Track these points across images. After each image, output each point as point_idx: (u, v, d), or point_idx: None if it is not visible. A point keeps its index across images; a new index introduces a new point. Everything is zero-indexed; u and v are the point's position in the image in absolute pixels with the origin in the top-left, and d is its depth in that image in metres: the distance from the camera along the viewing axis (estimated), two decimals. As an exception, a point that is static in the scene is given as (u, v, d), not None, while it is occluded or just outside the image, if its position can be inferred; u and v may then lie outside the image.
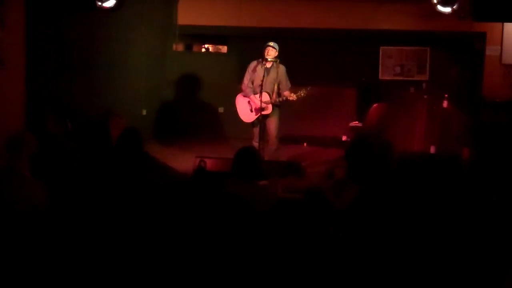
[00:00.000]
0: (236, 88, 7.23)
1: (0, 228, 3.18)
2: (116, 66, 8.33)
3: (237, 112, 6.89)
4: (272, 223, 3.24)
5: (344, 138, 9.15)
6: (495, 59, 8.33)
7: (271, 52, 6.55)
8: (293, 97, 6.54)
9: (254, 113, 6.72)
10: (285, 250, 2.82)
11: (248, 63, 6.83)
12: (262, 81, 6.52)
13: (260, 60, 6.63)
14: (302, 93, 6.55)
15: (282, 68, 6.65)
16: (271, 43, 6.56)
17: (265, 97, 6.58)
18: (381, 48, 9.09)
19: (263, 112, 6.63)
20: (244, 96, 6.83)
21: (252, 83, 6.73)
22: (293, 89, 6.68)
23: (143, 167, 4.36)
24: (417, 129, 8.16)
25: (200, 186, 4.94)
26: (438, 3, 6.73)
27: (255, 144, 6.60)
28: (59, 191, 3.80)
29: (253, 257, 2.74)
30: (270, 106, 6.62)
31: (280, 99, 6.63)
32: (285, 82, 6.67)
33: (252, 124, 6.79)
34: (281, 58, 6.61)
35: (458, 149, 7.37)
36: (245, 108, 6.81)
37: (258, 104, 6.57)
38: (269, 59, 6.53)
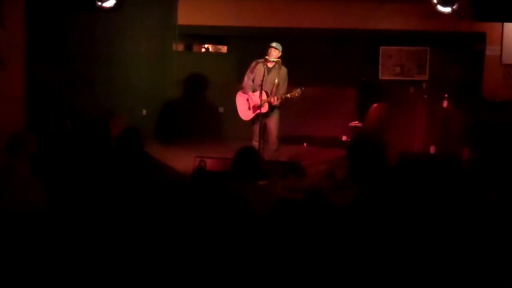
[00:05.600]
0: (236, 88, 7.22)
1: (0, 228, 3.18)
2: (116, 66, 8.33)
3: (236, 109, 6.90)
4: (272, 223, 3.24)
5: (344, 138, 9.15)
6: (495, 59, 8.33)
7: (274, 53, 6.55)
8: (275, 101, 6.54)
9: (251, 110, 6.73)
10: (285, 250, 2.82)
11: (248, 63, 6.83)
12: (262, 80, 6.53)
13: (263, 59, 6.63)
14: (296, 93, 6.55)
15: (283, 70, 6.66)
16: (274, 44, 6.57)
17: (263, 95, 6.58)
18: (381, 48, 9.08)
19: (259, 110, 6.63)
20: (243, 93, 6.83)
21: (253, 82, 6.74)
22: (293, 89, 6.68)
23: (143, 167, 4.36)
24: (417, 129, 8.15)
25: (200, 186, 4.93)
26: (438, 3, 6.73)
27: (255, 144, 6.60)
28: (59, 191, 3.80)
29: (253, 257, 2.74)
30: (266, 105, 6.63)
31: (273, 100, 6.62)
32: (283, 85, 6.67)
33: (252, 123, 6.79)
34: (282, 58, 6.61)
35: (458, 149, 7.37)
36: (244, 105, 6.83)
37: (255, 101, 6.59)
38: (270, 60, 6.54)
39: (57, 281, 2.77)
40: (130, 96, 8.65)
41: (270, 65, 6.58)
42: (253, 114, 6.71)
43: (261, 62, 6.63)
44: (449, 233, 3.05)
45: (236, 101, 6.91)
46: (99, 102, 7.64)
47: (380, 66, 9.12)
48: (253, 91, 6.68)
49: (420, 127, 8.14)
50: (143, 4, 8.68)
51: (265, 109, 6.65)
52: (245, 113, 6.81)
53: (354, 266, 2.80)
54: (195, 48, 10.94)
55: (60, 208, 3.50)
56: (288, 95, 6.59)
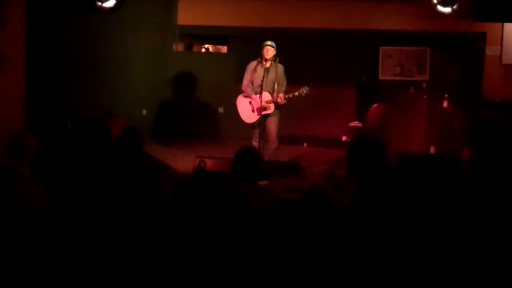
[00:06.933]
0: (236, 88, 7.22)
1: (0, 228, 3.18)
2: (116, 66, 8.33)
3: (239, 113, 6.86)
4: (272, 223, 3.24)
5: (344, 138, 9.15)
6: (495, 59, 8.33)
7: (270, 51, 6.55)
8: (282, 100, 6.55)
9: (256, 113, 6.69)
10: (285, 250, 2.82)
11: (248, 63, 6.82)
12: (262, 81, 6.52)
13: (260, 60, 6.63)
14: (304, 90, 6.56)
15: (280, 68, 6.66)
16: (269, 42, 6.56)
17: (267, 96, 6.58)
18: (381, 48, 9.08)
19: (265, 112, 6.62)
20: (245, 96, 6.81)
21: (252, 84, 6.72)
22: (293, 89, 6.68)
23: (143, 167, 4.36)
24: (417, 129, 8.17)
25: (200, 186, 4.94)
26: (438, 3, 6.73)
27: (255, 144, 6.59)
28: (59, 191, 3.80)
29: (253, 257, 2.74)
30: (272, 105, 6.62)
31: (280, 100, 6.62)
32: (282, 83, 6.68)
33: (253, 125, 6.77)
34: (281, 58, 6.62)
35: (458, 149, 7.37)
36: (247, 109, 6.79)
37: (260, 103, 6.55)
38: (268, 58, 6.54)
39: (57, 282, 2.77)
40: (130, 96, 8.65)
41: (267, 64, 6.58)
42: (258, 116, 6.66)
43: (259, 63, 6.63)
44: (449, 232, 3.06)
45: (238, 105, 6.87)
46: (99, 102, 7.63)
47: (380, 66, 9.12)
48: (255, 93, 6.65)
49: (420, 127, 8.16)
50: (143, 4, 8.67)
51: (271, 109, 6.65)
52: (249, 116, 6.77)
53: (354, 266, 2.80)
54: (195, 48, 10.94)
55: (60, 208, 3.50)
56: (296, 93, 6.60)
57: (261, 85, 6.52)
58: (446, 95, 8.14)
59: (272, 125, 6.75)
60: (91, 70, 7.76)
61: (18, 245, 2.97)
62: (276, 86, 6.61)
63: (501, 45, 8.29)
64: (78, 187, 4.01)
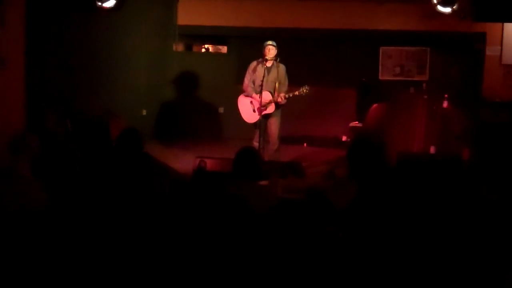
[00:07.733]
0: (236, 88, 7.22)
1: (0, 228, 3.18)
2: (116, 66, 8.33)
3: (240, 113, 6.85)
4: (272, 224, 3.24)
5: (344, 138, 9.15)
6: (495, 59, 8.34)
7: (272, 50, 6.55)
8: (282, 100, 6.55)
9: (257, 112, 6.69)
10: (285, 251, 2.82)
11: (248, 63, 6.83)
12: (262, 81, 6.52)
13: (261, 60, 6.63)
14: (304, 89, 6.56)
15: (282, 68, 6.66)
16: (270, 42, 6.58)
17: (267, 96, 6.58)
18: (381, 48, 9.10)
19: (266, 111, 6.62)
20: (246, 96, 6.81)
21: (253, 83, 6.72)
22: (292, 89, 6.68)
23: (143, 167, 4.36)
24: (417, 129, 8.15)
25: (200, 186, 4.93)
26: (438, 3, 6.73)
27: (256, 144, 6.59)
28: (59, 191, 3.80)
29: (253, 258, 2.74)
30: (273, 105, 6.62)
31: (280, 99, 6.62)
32: (284, 82, 6.68)
33: (255, 125, 6.76)
34: (281, 58, 6.62)
35: (458, 149, 7.36)
36: (248, 108, 6.78)
37: (260, 103, 6.56)
38: (269, 58, 6.54)
39: (58, 282, 2.77)
40: (130, 96, 8.65)
41: (268, 64, 6.59)
42: (259, 116, 6.66)
43: (260, 62, 6.63)
44: (449, 232, 3.05)
45: (239, 105, 6.86)
46: (99, 102, 7.63)
47: (380, 66, 9.13)
48: (256, 93, 6.65)
49: (420, 127, 8.14)
50: (143, 4, 8.68)
51: (271, 109, 6.64)
52: (250, 116, 6.76)
53: (354, 267, 2.80)
54: (195, 48, 10.95)
55: (60, 209, 3.50)
56: (296, 93, 6.61)
57: (261, 85, 6.52)
58: (446, 95, 8.13)
59: (273, 125, 6.74)
60: (91, 70, 7.76)
61: (18, 245, 2.96)
62: (277, 85, 6.61)
63: (501, 45, 8.29)
64: (78, 187, 4.00)
